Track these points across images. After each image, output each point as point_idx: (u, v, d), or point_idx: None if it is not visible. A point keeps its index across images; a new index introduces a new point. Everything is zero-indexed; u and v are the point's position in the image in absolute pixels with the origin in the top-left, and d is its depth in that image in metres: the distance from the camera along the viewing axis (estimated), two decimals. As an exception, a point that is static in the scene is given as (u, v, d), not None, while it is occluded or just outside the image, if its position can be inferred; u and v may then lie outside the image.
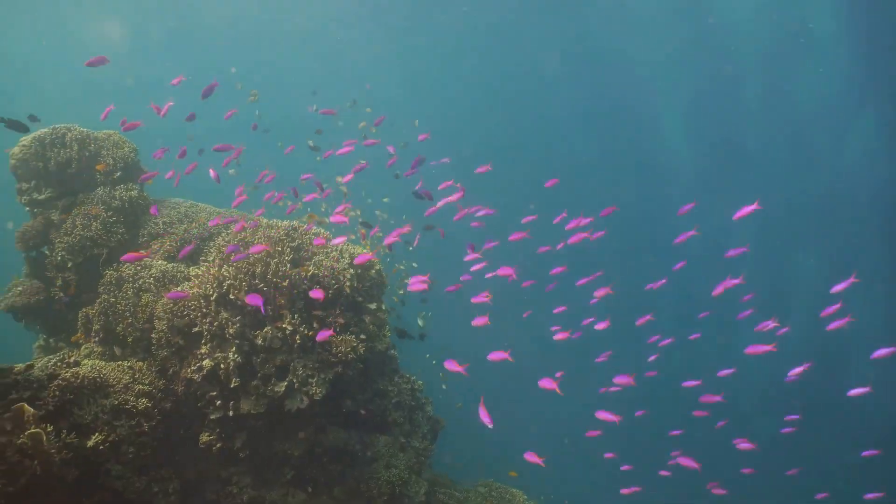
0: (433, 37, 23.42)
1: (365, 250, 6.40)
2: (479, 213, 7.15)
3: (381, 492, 5.87)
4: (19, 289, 6.97)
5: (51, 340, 7.02)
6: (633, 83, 23.35)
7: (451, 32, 23.06)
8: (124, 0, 22.70)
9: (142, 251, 6.31)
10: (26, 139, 6.52)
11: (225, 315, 5.25)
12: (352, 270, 5.85)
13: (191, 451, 5.58)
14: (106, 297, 5.92)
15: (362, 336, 5.74)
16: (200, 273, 5.54)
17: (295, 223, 6.14)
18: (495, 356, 5.43)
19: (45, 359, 4.99)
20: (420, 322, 8.03)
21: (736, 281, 6.62)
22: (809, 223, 23.52)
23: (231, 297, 5.26)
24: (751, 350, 6.35)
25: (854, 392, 6.51)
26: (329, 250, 5.91)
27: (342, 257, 5.91)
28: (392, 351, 6.52)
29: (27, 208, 7.02)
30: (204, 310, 5.29)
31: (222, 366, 5.19)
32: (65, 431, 4.40)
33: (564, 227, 7.33)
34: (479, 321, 6.01)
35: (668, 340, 8.51)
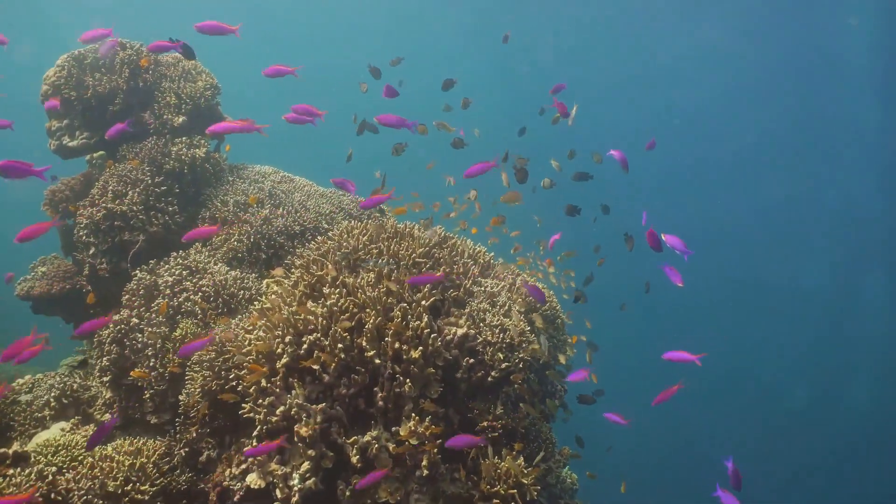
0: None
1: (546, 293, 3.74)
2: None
3: None
4: (42, 269, 4.97)
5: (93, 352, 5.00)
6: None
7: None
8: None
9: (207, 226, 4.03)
10: (62, 57, 4.42)
11: (299, 396, 2.77)
12: (530, 331, 3.20)
13: None
14: (127, 313, 3.67)
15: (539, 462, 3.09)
16: (269, 306, 3.10)
17: (440, 230, 3.56)
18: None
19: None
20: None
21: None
22: None
23: (315, 366, 2.77)
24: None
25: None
26: (494, 292, 3.28)
27: (511, 308, 3.26)
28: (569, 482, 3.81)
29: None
30: (264, 381, 2.85)
31: (280, 492, 2.73)
32: None
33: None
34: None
35: None
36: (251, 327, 3.02)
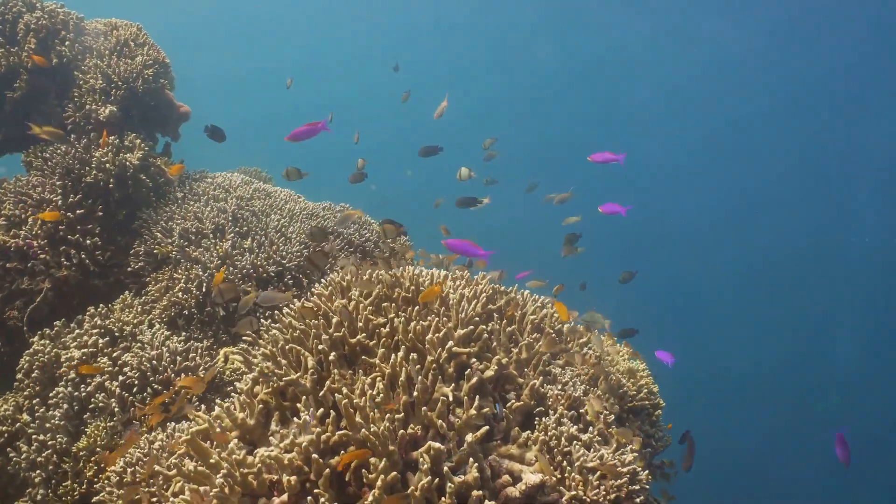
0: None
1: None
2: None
3: None
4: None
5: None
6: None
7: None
8: None
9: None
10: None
11: None
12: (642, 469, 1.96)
13: None
14: (14, 404, 2.46)
15: None
16: (202, 426, 1.87)
17: (489, 281, 2.29)
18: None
19: None
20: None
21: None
22: None
23: (277, 561, 1.55)
24: None
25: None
26: (578, 397, 2.03)
27: (608, 420, 2.02)
28: None
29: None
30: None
31: None
32: None
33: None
34: None
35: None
36: (174, 469, 1.79)
